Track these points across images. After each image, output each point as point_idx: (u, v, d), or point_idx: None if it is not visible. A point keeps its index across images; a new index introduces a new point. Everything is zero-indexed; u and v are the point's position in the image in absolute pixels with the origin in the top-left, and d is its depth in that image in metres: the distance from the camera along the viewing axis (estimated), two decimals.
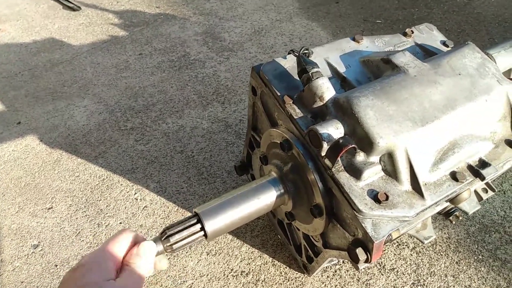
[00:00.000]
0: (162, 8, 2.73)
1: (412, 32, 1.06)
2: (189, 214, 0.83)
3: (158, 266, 0.71)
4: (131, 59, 2.24)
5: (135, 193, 1.51)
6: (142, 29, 2.51)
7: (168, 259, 1.29)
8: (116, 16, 2.67)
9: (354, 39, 1.01)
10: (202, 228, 0.81)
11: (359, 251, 0.81)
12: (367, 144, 0.79)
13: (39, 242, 1.39)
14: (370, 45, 1.01)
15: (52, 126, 1.85)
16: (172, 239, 0.76)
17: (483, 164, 0.88)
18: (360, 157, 0.81)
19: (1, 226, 1.45)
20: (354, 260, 0.82)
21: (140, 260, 0.64)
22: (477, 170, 0.86)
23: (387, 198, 0.79)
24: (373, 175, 0.81)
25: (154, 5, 2.77)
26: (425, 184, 0.83)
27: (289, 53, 0.94)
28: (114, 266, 0.61)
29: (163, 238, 0.75)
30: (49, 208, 1.49)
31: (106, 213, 1.45)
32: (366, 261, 0.82)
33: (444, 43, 1.07)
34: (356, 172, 0.80)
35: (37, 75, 2.19)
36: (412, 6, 2.59)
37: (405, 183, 0.82)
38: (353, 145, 0.76)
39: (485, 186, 1.13)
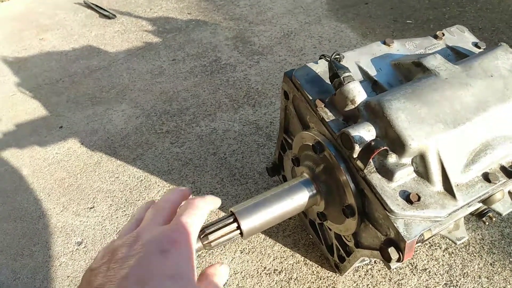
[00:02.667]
0: (194, 14, 2.81)
1: (443, 35, 1.07)
2: (223, 213, 0.87)
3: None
4: (165, 65, 2.32)
5: None
6: (175, 35, 2.59)
7: (204, 256, 1.34)
8: (149, 23, 2.77)
9: (384, 43, 1.03)
10: (238, 227, 0.85)
11: (391, 250, 0.83)
12: (399, 146, 0.81)
13: (82, 239, 1.47)
14: (401, 48, 1.03)
15: (92, 130, 1.94)
16: (211, 237, 0.80)
17: None
18: (392, 158, 0.83)
19: (47, 224, 1.54)
20: (387, 259, 0.84)
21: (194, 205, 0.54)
22: (510, 171, 0.87)
23: (419, 198, 0.80)
24: (405, 176, 0.83)
25: (185, 11, 2.85)
26: (457, 185, 0.84)
27: (320, 58, 0.97)
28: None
29: (202, 236, 0.80)
30: (91, 208, 1.58)
31: None
32: (398, 260, 0.84)
33: (476, 45, 1.07)
34: (388, 173, 0.82)
35: (77, 81, 2.30)
36: (443, 5, 2.56)
37: (437, 184, 0.83)
38: (385, 147, 0.79)
39: None
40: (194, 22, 2.71)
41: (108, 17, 2.90)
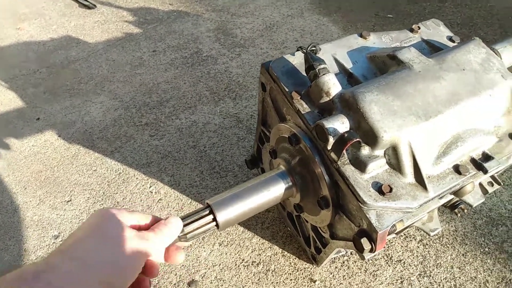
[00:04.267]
0: (175, 5, 2.78)
1: (419, 28, 1.08)
2: (206, 204, 0.87)
3: (175, 260, 0.69)
4: (145, 56, 2.29)
5: (150, 187, 1.56)
6: (156, 26, 2.56)
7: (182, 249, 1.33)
8: (130, 14, 2.73)
9: (361, 36, 1.03)
10: (214, 219, 0.85)
11: (364, 241, 0.84)
12: (371, 138, 0.82)
13: (59, 233, 1.45)
14: (377, 41, 1.04)
15: (69, 122, 1.91)
16: (186, 229, 0.80)
17: (486, 157, 0.90)
18: (365, 150, 0.84)
19: (23, 217, 1.51)
20: (359, 249, 0.86)
21: (166, 228, 0.64)
22: (480, 163, 0.88)
23: (390, 190, 0.82)
24: (377, 168, 0.84)
25: (167, 2, 2.82)
26: (428, 177, 0.85)
27: (297, 50, 0.97)
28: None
29: None
30: (68, 201, 1.56)
31: (123, 206, 1.50)
32: (371, 250, 0.85)
33: (450, 39, 1.09)
34: (361, 165, 0.83)
35: (55, 72, 2.26)
36: (423, 0, 2.58)
37: (409, 176, 0.85)
38: (357, 139, 0.80)
39: (491, 180, 1.15)
40: (176, 13, 2.68)
41: (88, 7, 2.85)
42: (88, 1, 2.88)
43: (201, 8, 2.71)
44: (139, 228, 0.63)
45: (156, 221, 0.67)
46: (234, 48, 2.28)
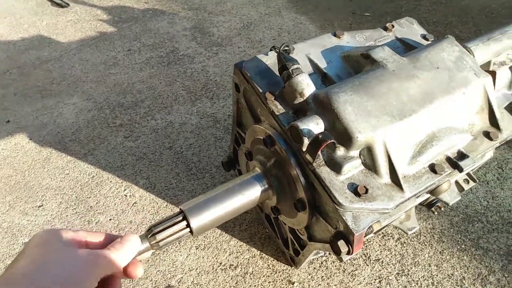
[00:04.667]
0: (151, 3, 2.73)
1: (393, 27, 1.07)
2: (179, 210, 0.84)
3: (133, 275, 0.65)
4: (119, 55, 2.24)
5: (125, 190, 1.52)
6: (131, 25, 2.51)
7: (158, 254, 1.30)
8: (104, 12, 2.67)
9: (335, 35, 1.02)
10: (188, 225, 0.83)
11: (341, 243, 0.83)
12: (346, 139, 0.81)
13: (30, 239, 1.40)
14: (351, 40, 1.02)
15: (41, 124, 1.85)
16: (158, 236, 0.77)
17: (462, 156, 0.90)
18: (340, 151, 0.82)
19: None
20: (336, 252, 0.84)
21: (121, 246, 0.62)
22: (455, 162, 0.88)
23: (366, 191, 0.81)
24: (353, 169, 0.83)
25: (142, 0, 2.77)
26: (404, 177, 0.85)
27: (271, 50, 0.95)
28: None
29: (149, 236, 0.76)
30: (40, 206, 1.50)
31: (96, 210, 1.46)
32: (348, 253, 0.84)
33: (424, 37, 1.08)
34: (336, 166, 0.82)
35: (26, 72, 2.19)
36: None
37: (385, 176, 0.84)
38: (332, 140, 0.78)
39: (467, 177, 1.15)
40: (151, 12, 2.63)
41: (61, 6, 2.77)
42: (61, 0, 2.80)
43: (177, 6, 2.67)
44: (87, 246, 0.60)
45: (110, 239, 0.64)
46: (211, 47, 2.25)
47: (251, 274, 1.24)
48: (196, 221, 0.84)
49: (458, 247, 1.26)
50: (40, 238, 0.56)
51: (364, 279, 1.21)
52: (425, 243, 1.28)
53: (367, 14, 2.48)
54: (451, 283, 1.18)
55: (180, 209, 0.85)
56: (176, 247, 1.32)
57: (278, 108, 0.89)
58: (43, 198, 1.53)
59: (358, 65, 0.93)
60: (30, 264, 0.51)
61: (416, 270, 1.22)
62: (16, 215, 1.48)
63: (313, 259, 1.26)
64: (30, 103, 1.98)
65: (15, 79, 2.15)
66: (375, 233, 1.07)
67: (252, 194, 0.94)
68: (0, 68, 2.23)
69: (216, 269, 1.26)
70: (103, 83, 2.05)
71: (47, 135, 1.79)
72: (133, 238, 0.65)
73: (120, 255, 0.60)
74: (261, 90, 0.92)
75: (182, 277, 1.25)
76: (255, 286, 1.22)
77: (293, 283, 1.21)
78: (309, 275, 1.22)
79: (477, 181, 1.16)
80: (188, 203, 0.87)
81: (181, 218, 0.82)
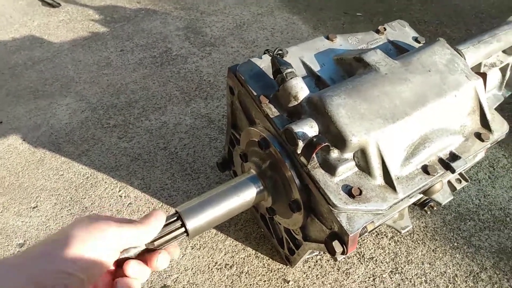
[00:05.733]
0: (143, 3, 2.72)
1: (385, 29, 1.09)
2: (174, 210, 0.85)
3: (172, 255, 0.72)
4: (112, 56, 2.23)
5: (120, 190, 1.52)
6: (123, 25, 2.50)
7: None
8: (96, 12, 2.65)
9: (328, 38, 1.03)
10: (183, 226, 0.83)
11: (335, 244, 0.84)
12: (340, 142, 0.82)
13: (24, 240, 1.40)
14: (344, 43, 1.04)
15: (34, 125, 1.84)
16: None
17: (454, 157, 0.91)
18: (335, 154, 0.84)
19: None
20: (331, 252, 0.86)
21: (146, 220, 0.65)
22: (447, 163, 0.90)
23: (360, 192, 0.82)
24: (347, 171, 0.84)
25: (135, 0, 2.76)
26: (397, 178, 0.86)
27: (264, 53, 0.96)
28: None
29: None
30: (34, 207, 1.50)
31: (91, 211, 1.46)
32: (343, 253, 0.85)
33: (416, 39, 1.10)
34: (330, 168, 0.83)
35: (18, 73, 2.17)
36: None
37: (378, 178, 0.85)
38: (326, 143, 0.79)
39: (459, 177, 1.17)
40: (144, 11, 2.62)
41: (52, 5, 2.75)
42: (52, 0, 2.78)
43: (169, 6, 2.66)
44: None
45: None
46: (204, 47, 2.25)
47: (246, 273, 1.26)
48: (192, 223, 0.85)
49: (451, 245, 1.29)
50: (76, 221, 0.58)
51: (358, 277, 1.23)
52: (418, 242, 1.30)
53: (359, 14, 2.49)
54: (444, 280, 1.21)
55: (176, 211, 0.86)
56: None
57: (272, 111, 0.90)
58: (38, 199, 1.53)
59: (351, 68, 0.95)
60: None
61: (410, 268, 1.24)
62: (11, 216, 1.48)
63: (308, 258, 1.28)
64: (23, 104, 1.97)
65: (7, 80, 2.13)
66: (369, 232, 1.08)
67: (247, 195, 0.95)
68: None
69: (211, 269, 1.27)
70: (96, 84, 2.04)
71: (40, 136, 1.78)
72: (158, 214, 0.67)
73: (144, 229, 0.63)
74: (255, 93, 0.93)
75: (177, 277, 1.26)
76: (250, 285, 1.23)
77: (288, 282, 1.22)
78: (304, 273, 1.24)
79: (469, 180, 1.18)
80: (183, 205, 0.87)
81: (175, 218, 0.83)
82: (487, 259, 1.25)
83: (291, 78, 0.85)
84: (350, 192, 0.82)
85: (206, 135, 1.72)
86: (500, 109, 1.06)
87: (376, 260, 1.26)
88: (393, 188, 0.85)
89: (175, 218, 0.83)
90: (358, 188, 0.82)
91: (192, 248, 1.33)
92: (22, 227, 1.45)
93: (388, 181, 0.86)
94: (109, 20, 2.57)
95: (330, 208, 0.82)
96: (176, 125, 1.78)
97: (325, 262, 1.27)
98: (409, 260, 1.26)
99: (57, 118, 1.87)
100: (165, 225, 0.82)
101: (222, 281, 1.24)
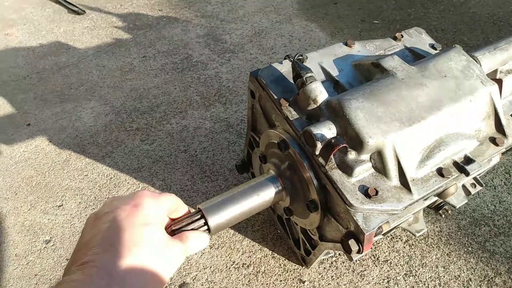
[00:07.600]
0: (165, 11, 2.80)
1: (402, 36, 1.12)
2: (193, 210, 0.89)
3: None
4: (135, 62, 2.31)
5: None
6: (146, 32, 2.58)
7: None
8: (119, 19, 2.74)
9: (346, 44, 1.07)
10: (206, 223, 0.87)
11: (352, 242, 0.87)
12: (357, 143, 0.85)
13: (50, 237, 1.46)
14: (362, 49, 1.07)
15: (60, 127, 1.92)
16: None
17: (468, 160, 0.94)
18: (352, 155, 0.87)
19: (14, 223, 1.52)
20: (347, 250, 0.89)
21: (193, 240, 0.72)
22: (462, 166, 0.92)
23: (376, 193, 0.85)
24: (363, 172, 0.87)
25: (156, 8, 2.84)
26: (413, 180, 0.89)
27: (285, 59, 1.00)
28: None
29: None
30: (60, 206, 1.57)
31: None
32: (358, 251, 0.88)
33: (432, 46, 1.13)
34: (348, 169, 0.86)
35: (45, 78, 2.26)
36: (409, 6, 2.64)
37: (394, 179, 0.88)
38: (344, 145, 0.83)
39: (474, 181, 1.19)
40: (165, 19, 2.70)
41: (77, 13, 2.85)
42: (77, 7, 2.88)
43: (190, 14, 2.74)
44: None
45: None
46: (224, 54, 2.31)
47: (263, 272, 1.29)
48: (214, 220, 0.88)
49: (465, 249, 1.30)
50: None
51: (372, 279, 1.25)
52: (433, 245, 1.32)
53: (376, 21, 2.52)
54: (458, 284, 1.22)
55: (199, 208, 0.90)
56: None
57: (292, 114, 0.94)
58: (63, 198, 1.59)
59: (369, 73, 0.98)
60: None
61: (424, 271, 1.25)
62: (37, 214, 1.55)
63: (323, 259, 1.31)
64: (49, 107, 2.05)
65: (34, 84, 2.22)
66: (384, 234, 1.11)
67: (266, 195, 0.99)
68: (20, 74, 2.31)
69: (229, 268, 1.31)
70: (119, 89, 2.11)
71: (66, 138, 1.85)
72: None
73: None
74: (276, 97, 0.97)
75: (196, 275, 1.30)
76: (267, 284, 1.26)
77: (303, 282, 1.25)
78: (320, 274, 1.27)
79: (484, 185, 1.20)
80: (206, 202, 0.91)
81: (199, 216, 0.87)
82: (501, 264, 1.26)
83: (311, 82, 0.88)
84: (366, 192, 0.85)
85: (225, 139, 1.77)
86: None
87: (390, 262, 1.28)
88: (409, 189, 0.88)
89: (199, 216, 0.87)
90: (374, 188, 0.85)
91: (211, 248, 1.37)
92: (48, 225, 1.51)
93: (403, 182, 0.88)
94: (132, 27, 2.65)
95: (347, 208, 0.85)
96: (196, 129, 1.83)
97: (340, 263, 1.29)
98: (423, 263, 1.28)
99: (82, 121, 1.94)
100: (188, 222, 0.86)
101: (239, 280, 1.28)
